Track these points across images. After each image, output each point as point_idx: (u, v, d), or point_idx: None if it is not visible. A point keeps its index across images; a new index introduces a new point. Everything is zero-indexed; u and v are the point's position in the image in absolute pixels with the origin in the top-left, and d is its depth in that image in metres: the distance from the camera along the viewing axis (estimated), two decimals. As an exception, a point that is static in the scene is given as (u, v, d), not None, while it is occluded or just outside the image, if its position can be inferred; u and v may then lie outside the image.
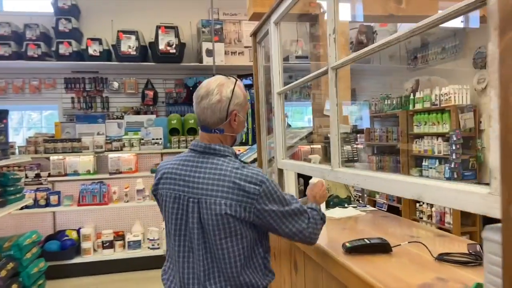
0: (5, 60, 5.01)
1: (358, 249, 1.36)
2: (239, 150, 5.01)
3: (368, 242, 1.37)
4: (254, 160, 2.68)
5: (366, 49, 1.25)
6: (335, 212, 2.03)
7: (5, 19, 5.17)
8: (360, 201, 2.33)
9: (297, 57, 5.83)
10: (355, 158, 2.41)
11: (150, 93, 5.76)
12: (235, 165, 1.35)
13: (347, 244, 1.39)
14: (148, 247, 4.51)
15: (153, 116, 5.14)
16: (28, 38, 5.23)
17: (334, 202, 2.19)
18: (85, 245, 4.40)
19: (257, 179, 1.31)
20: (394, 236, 1.55)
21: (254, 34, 2.44)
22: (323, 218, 1.44)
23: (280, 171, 2.12)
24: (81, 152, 4.45)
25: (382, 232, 1.64)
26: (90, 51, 5.34)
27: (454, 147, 3.98)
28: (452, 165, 4.01)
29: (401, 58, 5.44)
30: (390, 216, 1.97)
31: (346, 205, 2.18)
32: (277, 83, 2.09)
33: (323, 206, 2.17)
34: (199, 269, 1.35)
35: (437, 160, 4.36)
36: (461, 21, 4.55)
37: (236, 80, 1.44)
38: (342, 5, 3.01)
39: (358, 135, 4.84)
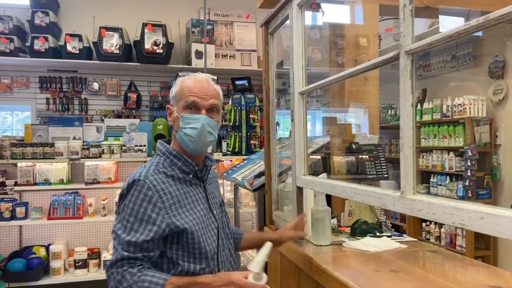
0: (-27, 54, 4.50)
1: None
2: (230, 160, 4.59)
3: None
4: (260, 174, 2.26)
5: (454, 30, 0.87)
6: (369, 244, 1.63)
7: (-26, 10, 4.66)
8: (391, 227, 1.94)
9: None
10: (384, 175, 2.02)
11: (133, 96, 5.30)
12: (147, 163, 1.41)
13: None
14: (127, 267, 4.02)
15: (137, 120, 4.67)
16: (0, 32, 4.74)
17: (362, 229, 1.79)
18: (54, 264, 3.89)
19: (133, 177, 1.33)
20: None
21: (266, 23, 2.04)
22: None
23: (299, 191, 1.71)
24: (53, 158, 3.95)
25: (452, 280, 1.24)
26: (69, 48, 4.87)
27: (469, 163, 3.65)
28: (467, 183, 3.68)
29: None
30: (440, 251, 1.58)
31: (378, 234, 1.78)
32: (299, 81, 1.69)
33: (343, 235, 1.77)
34: None
35: (447, 177, 4.02)
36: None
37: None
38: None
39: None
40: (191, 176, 1.42)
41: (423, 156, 4.34)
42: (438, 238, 4.10)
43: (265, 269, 2.26)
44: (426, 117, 4.27)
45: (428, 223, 4.24)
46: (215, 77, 4.97)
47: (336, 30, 4.09)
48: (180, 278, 1.26)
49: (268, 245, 1.38)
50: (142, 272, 1.24)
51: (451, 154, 3.98)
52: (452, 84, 4.39)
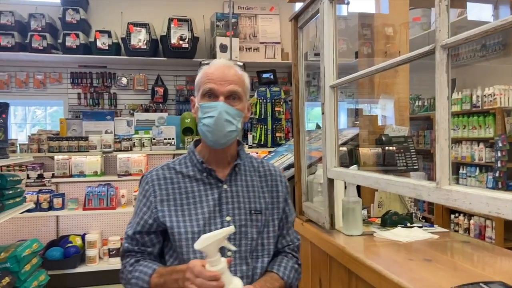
0: (8, 51, 4.68)
1: (480, 301, 0.98)
2: (256, 153, 4.64)
3: (490, 289, 0.99)
4: (289, 166, 2.31)
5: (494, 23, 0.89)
6: (400, 234, 1.66)
7: (9, 8, 4.84)
8: (421, 218, 1.96)
9: (316, 54, 5.49)
10: (414, 167, 2.04)
11: (160, 90, 5.42)
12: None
13: (461, 292, 1.00)
14: (158, 256, 4.15)
15: (165, 114, 4.79)
16: (33, 29, 4.92)
17: (392, 220, 1.82)
18: (90, 252, 4.06)
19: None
20: (508, 276, 1.17)
21: (295, 18, 2.07)
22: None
23: (330, 182, 1.75)
24: (88, 151, 4.10)
25: (488, 270, 1.27)
26: (99, 44, 5.02)
27: (499, 154, 3.59)
28: (497, 174, 3.63)
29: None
30: (472, 242, 1.60)
31: (408, 224, 1.81)
32: (329, 75, 1.72)
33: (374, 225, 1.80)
34: None
35: (477, 168, 3.97)
36: (492, 15, 4.17)
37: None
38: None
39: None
40: (204, 174, 1.33)
41: (452, 147, 4.28)
42: (467, 230, 4.06)
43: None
44: (455, 108, 4.21)
45: (457, 214, 4.20)
46: (241, 63, 4.94)
47: (362, 20, 4.06)
48: (166, 267, 1.24)
49: (230, 229, 1.11)
50: (138, 262, 1.28)
51: (481, 145, 3.92)
52: (481, 73, 4.31)
